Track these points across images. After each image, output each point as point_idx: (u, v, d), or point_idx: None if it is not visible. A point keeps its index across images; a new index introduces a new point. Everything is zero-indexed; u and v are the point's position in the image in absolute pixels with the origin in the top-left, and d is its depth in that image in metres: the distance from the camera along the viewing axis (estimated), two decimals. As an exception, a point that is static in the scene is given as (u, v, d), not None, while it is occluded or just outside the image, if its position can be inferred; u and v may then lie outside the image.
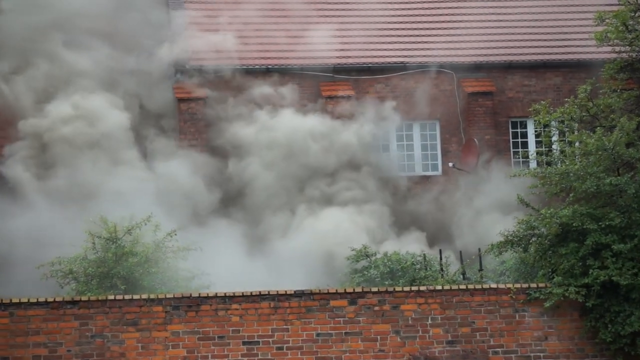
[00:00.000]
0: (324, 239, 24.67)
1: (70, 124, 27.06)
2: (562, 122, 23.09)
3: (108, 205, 23.12)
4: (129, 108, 27.64)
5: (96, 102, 27.47)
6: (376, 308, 19.38)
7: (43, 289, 20.27)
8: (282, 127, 27.14)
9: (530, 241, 20.58)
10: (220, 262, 21.87)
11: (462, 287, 19.69)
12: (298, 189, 26.94)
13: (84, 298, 19.10)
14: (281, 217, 26.35)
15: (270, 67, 27.96)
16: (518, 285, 19.69)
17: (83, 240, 20.84)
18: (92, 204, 24.29)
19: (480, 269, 21.82)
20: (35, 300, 18.83)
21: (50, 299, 18.92)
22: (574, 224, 19.80)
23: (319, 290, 19.48)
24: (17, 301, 18.79)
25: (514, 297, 19.56)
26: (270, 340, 19.11)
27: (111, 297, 19.11)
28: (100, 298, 19.07)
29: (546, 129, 24.41)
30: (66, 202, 25.25)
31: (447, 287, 19.70)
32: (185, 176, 26.30)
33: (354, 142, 27.15)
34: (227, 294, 19.26)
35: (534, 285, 19.70)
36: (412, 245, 24.37)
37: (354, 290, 19.56)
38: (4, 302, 18.79)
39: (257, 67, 27.93)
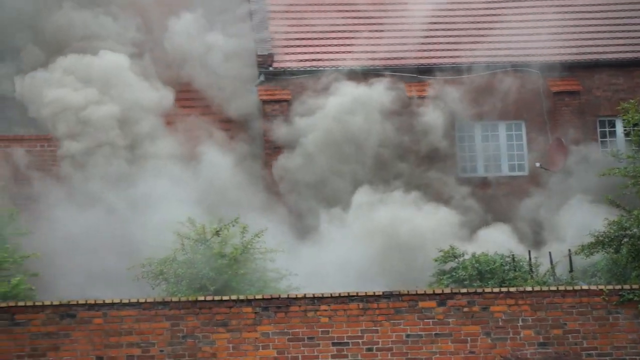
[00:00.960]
0: (398, 236, 24.41)
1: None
2: (652, 121, 22.71)
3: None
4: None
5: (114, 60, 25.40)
6: (465, 309, 19.29)
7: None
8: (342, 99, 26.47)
9: (622, 242, 20.30)
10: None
11: (553, 288, 19.50)
12: (367, 175, 26.38)
13: (174, 299, 19.28)
14: (337, 210, 25.62)
15: (353, 67, 27.88)
16: (610, 287, 19.43)
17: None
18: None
19: (571, 270, 21.56)
20: (127, 301, 19.06)
21: (142, 300, 19.13)
22: (669, 225, 19.54)
23: (408, 292, 19.43)
24: (110, 302, 19.04)
25: (606, 298, 19.29)
26: (360, 341, 19.11)
27: (201, 298, 19.27)
28: (190, 299, 19.23)
29: (635, 128, 24.02)
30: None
31: (537, 288, 19.53)
32: (229, 173, 25.67)
33: (437, 130, 26.82)
34: (316, 295, 19.31)
35: (627, 286, 19.42)
36: (500, 246, 24.10)
37: (442, 291, 19.49)
38: (97, 302, 19.05)
39: (340, 68, 27.87)
